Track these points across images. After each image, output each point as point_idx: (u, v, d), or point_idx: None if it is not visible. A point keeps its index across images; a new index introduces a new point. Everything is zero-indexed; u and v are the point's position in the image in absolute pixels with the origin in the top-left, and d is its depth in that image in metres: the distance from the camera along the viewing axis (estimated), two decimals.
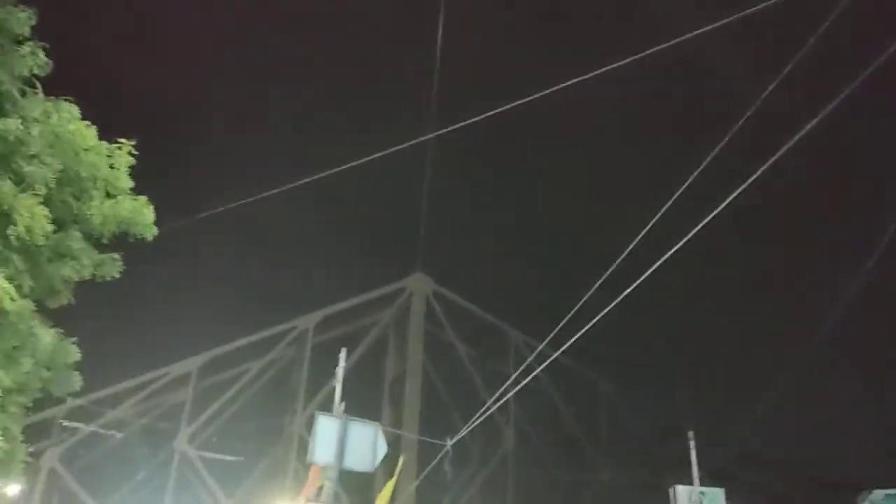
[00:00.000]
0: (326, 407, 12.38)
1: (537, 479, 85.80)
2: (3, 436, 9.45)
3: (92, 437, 64.94)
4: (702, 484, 22.08)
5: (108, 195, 10.71)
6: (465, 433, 14.20)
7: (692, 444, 21.49)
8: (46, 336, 10.01)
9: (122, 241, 11.05)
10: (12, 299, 9.04)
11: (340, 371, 12.39)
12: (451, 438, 14.87)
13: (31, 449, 12.15)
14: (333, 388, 12.34)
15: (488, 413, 14.19)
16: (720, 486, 22.18)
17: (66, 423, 60.94)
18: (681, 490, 20.89)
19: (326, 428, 10.98)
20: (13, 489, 16.92)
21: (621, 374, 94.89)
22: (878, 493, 32.36)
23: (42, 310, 10.43)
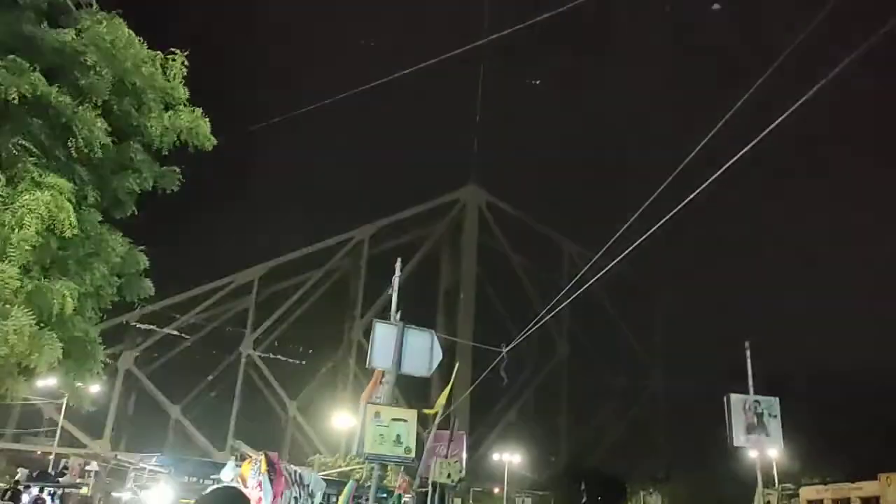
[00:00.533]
0: (383, 316, 12.65)
1: (590, 386, 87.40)
2: (84, 338, 9.97)
3: (164, 341, 68.73)
4: (758, 393, 22.04)
5: (166, 106, 10.79)
6: (519, 340, 14.36)
7: (748, 353, 21.26)
8: (116, 244, 10.37)
9: (183, 153, 11.20)
10: (79, 208, 9.33)
11: (396, 280, 12.58)
12: (506, 346, 15.08)
13: (108, 351, 12.84)
14: (390, 298, 12.55)
15: (542, 322, 14.26)
16: (776, 396, 22.11)
17: (140, 327, 64.50)
18: (735, 398, 20.82)
19: (384, 334, 11.25)
20: (93, 389, 18.06)
21: (678, 284, 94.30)
22: None
23: (110, 220, 10.76)
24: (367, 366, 11.52)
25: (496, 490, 57.61)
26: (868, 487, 33.78)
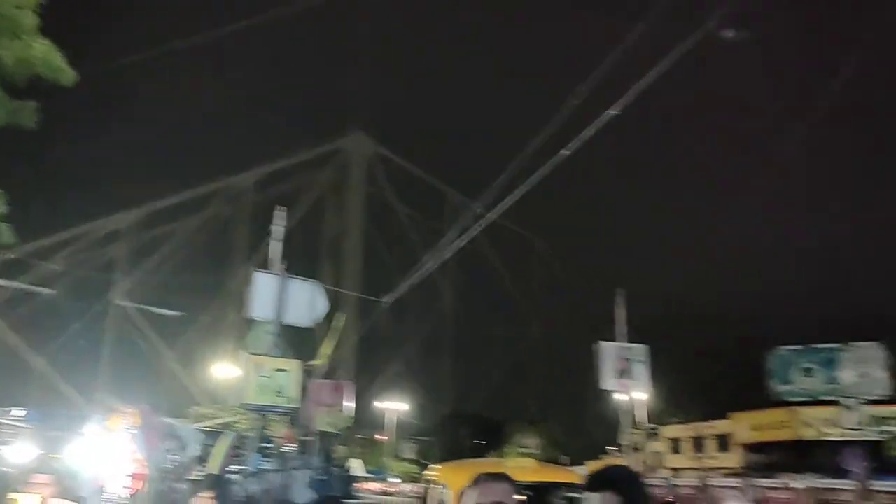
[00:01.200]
0: (267, 266, 12.29)
1: (474, 335, 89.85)
2: None
3: (27, 290, 63.97)
4: (628, 340, 23.38)
5: (15, 36, 9.78)
6: (403, 291, 14.43)
7: (619, 301, 22.40)
8: None
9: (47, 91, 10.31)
10: None
11: (277, 228, 12.23)
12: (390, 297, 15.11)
13: None
14: (272, 247, 12.23)
15: (427, 273, 14.39)
16: (645, 343, 23.54)
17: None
18: (606, 346, 21.97)
19: (264, 285, 10.97)
20: None
21: (557, 235, 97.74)
22: (786, 349, 35.32)
23: None
24: (245, 316, 11.23)
25: (382, 437, 58.50)
26: (720, 426, 36.98)
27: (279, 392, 10.42)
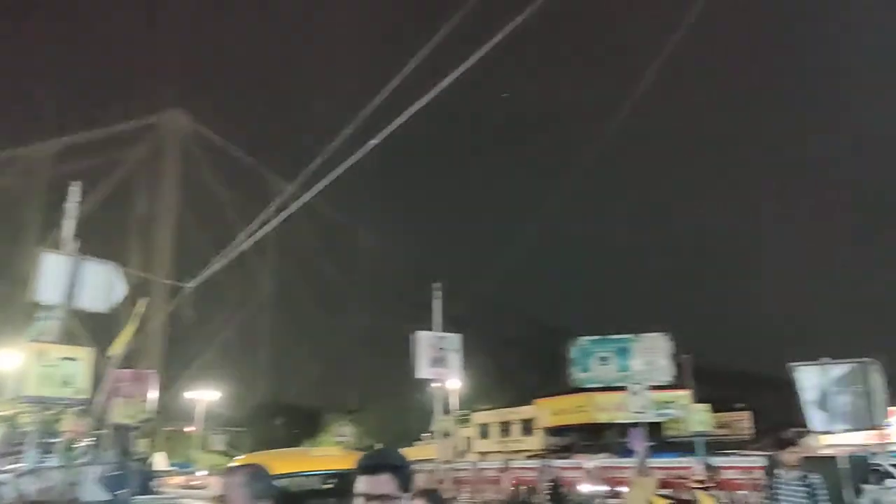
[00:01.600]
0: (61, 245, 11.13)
1: (293, 323, 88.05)
2: None
3: None
4: (444, 330, 24.07)
5: None
6: (209, 274, 13.70)
7: (437, 292, 22.95)
8: None
9: None
10: None
11: (71, 205, 11.11)
12: (198, 281, 14.30)
13: None
14: (65, 225, 11.09)
15: (236, 255, 13.80)
16: (459, 333, 24.37)
17: None
18: (422, 335, 22.44)
19: (53, 266, 9.93)
20: None
21: (382, 225, 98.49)
22: (585, 339, 38.26)
23: None
24: (29, 299, 10.13)
25: (190, 429, 55.61)
26: (525, 411, 39.27)
27: (66, 382, 9.50)
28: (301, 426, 59.01)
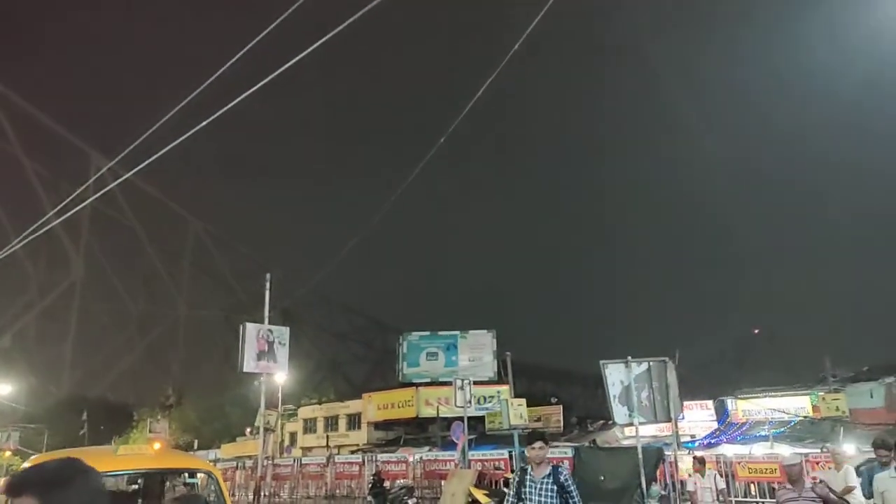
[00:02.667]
0: None
1: (106, 311, 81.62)
2: None
3: None
4: (272, 322, 23.42)
5: None
6: (4, 254, 12.31)
7: (268, 284, 22.33)
8: None
9: None
10: None
11: None
12: None
13: None
14: None
15: (48, 236, 12.52)
16: (288, 325, 23.83)
17: None
18: (250, 327, 21.71)
19: None
20: None
21: (211, 213, 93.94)
22: (414, 335, 39.09)
23: None
24: None
25: None
26: (353, 405, 39.21)
27: None
28: (109, 423, 54.94)
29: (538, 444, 5.09)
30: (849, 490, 8.38)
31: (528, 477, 5.05)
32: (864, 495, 7.46)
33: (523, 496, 4.95)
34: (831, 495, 5.90)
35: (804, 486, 5.90)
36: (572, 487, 4.95)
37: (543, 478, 4.97)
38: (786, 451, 19.07)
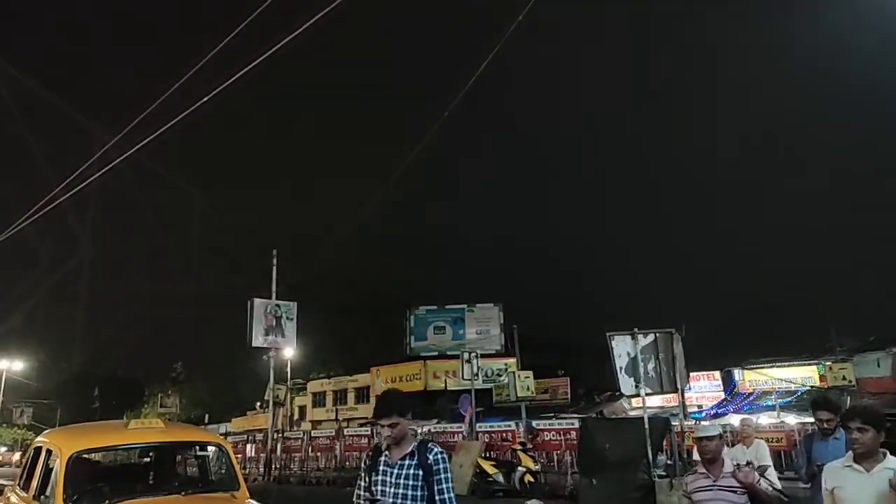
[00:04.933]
0: None
1: (116, 288, 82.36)
2: None
3: None
4: (280, 298, 23.61)
5: None
6: (11, 232, 12.38)
7: (275, 260, 22.46)
8: None
9: None
10: None
11: None
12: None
13: None
14: None
15: (57, 212, 12.57)
16: (295, 301, 24.01)
17: None
18: (258, 302, 21.90)
19: None
20: None
21: (217, 188, 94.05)
22: (422, 309, 39.27)
23: None
24: None
25: None
26: (361, 379, 39.51)
27: None
28: (121, 397, 55.64)
29: (385, 419, 3.49)
30: (761, 470, 6.30)
31: (381, 460, 3.55)
32: (803, 477, 5.53)
33: (375, 486, 3.51)
34: (762, 483, 4.21)
35: (723, 470, 4.25)
36: (443, 474, 3.42)
37: (402, 460, 3.47)
38: (792, 420, 19.17)
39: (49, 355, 61.44)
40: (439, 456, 3.48)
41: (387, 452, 3.55)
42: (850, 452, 3.52)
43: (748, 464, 4.80)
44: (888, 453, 3.41)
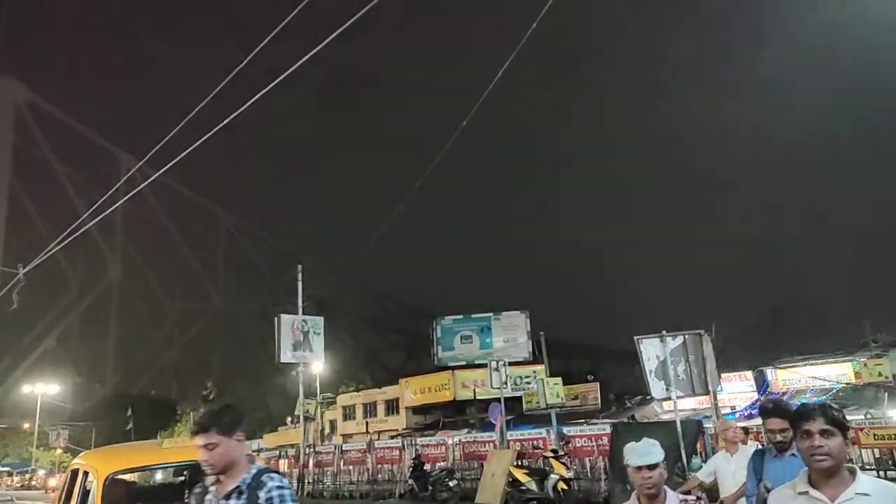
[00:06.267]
0: None
1: (145, 309, 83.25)
2: None
3: None
4: (307, 313, 23.73)
5: None
6: (45, 258, 12.62)
7: (300, 276, 22.56)
8: None
9: None
10: None
11: None
12: (24, 267, 13.12)
13: None
14: None
15: (85, 237, 12.79)
16: (322, 315, 24.12)
17: None
18: (284, 318, 22.01)
19: None
20: None
21: (241, 205, 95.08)
22: (448, 319, 39.28)
23: None
24: None
25: (26, 425, 51.45)
26: (391, 391, 39.55)
27: None
28: (154, 417, 56.23)
29: (200, 437, 2.55)
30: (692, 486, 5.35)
31: (208, 498, 2.61)
32: (749, 494, 4.10)
33: None
34: None
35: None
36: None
37: (227, 498, 2.54)
38: None
39: (83, 377, 62.43)
40: (275, 493, 2.49)
41: (212, 487, 2.62)
42: (804, 473, 2.32)
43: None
44: (857, 471, 2.28)
